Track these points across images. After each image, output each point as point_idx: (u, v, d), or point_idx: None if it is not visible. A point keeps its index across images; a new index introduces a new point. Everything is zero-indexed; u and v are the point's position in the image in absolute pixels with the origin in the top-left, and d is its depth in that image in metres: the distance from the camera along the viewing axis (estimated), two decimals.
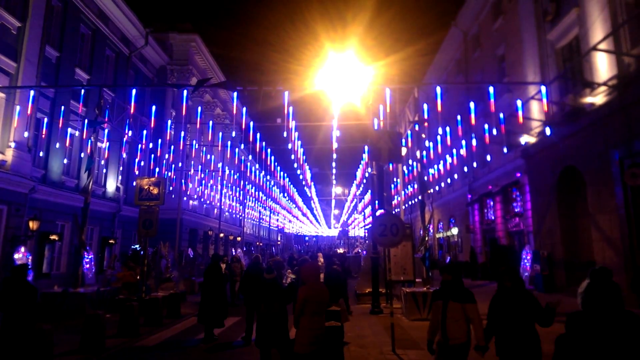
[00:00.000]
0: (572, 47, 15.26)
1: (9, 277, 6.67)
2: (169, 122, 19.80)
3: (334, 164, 30.34)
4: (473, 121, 13.20)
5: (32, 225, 14.76)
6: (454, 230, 29.50)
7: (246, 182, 32.29)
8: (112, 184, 22.13)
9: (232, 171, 29.38)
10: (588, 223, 13.81)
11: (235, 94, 13.29)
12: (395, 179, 31.51)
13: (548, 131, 13.54)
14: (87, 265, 16.12)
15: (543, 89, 12.32)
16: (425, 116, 13.88)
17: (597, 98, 12.98)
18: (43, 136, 15.16)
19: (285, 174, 36.29)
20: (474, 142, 17.95)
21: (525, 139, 17.20)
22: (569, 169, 14.68)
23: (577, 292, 2.84)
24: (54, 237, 16.77)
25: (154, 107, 16.31)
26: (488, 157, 16.88)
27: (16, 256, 13.43)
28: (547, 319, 4.05)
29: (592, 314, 2.57)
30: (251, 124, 16.74)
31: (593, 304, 2.59)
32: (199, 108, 19.67)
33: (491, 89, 12.47)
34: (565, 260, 15.07)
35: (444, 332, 4.43)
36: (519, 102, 12.94)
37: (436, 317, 4.61)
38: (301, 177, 30.03)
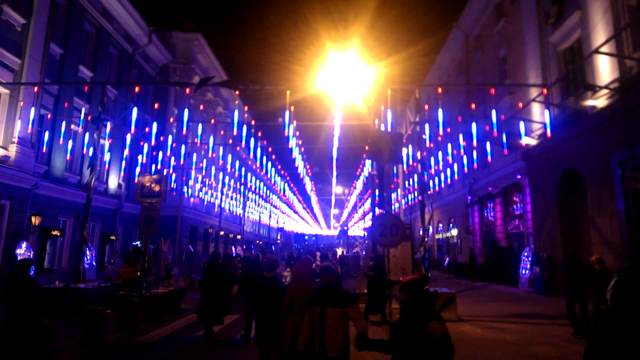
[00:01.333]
0: (574, 50, 15.28)
1: (12, 272, 6.73)
2: (171, 120, 19.87)
3: (334, 164, 30.38)
4: (474, 122, 13.27)
5: (35, 220, 14.85)
6: (454, 232, 29.54)
7: (246, 181, 32.34)
8: (114, 181, 22.22)
9: (234, 170, 29.42)
10: (588, 226, 13.85)
11: (237, 93, 13.33)
12: (395, 179, 31.55)
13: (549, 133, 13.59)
14: (89, 261, 16.21)
15: (547, 113, 12.42)
16: (426, 117, 13.93)
17: (599, 101, 13.01)
18: (46, 132, 15.25)
19: (286, 174, 36.32)
20: (474, 142, 17.99)
21: (526, 141, 17.23)
22: (570, 171, 14.71)
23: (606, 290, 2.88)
24: (55, 232, 16.85)
25: (156, 105, 16.39)
26: (489, 157, 16.98)
27: (18, 251, 13.52)
28: (444, 354, 3.03)
29: (621, 308, 2.72)
30: (252, 122, 16.81)
31: (621, 300, 2.74)
32: (202, 106, 19.73)
33: (494, 116, 12.60)
34: (564, 263, 15.09)
35: (321, 343, 3.89)
36: (522, 126, 13.05)
37: (311, 326, 4.04)
38: (302, 176, 30.04)
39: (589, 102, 13.47)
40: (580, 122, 13.78)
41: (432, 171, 21.02)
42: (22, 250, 13.59)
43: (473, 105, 20.44)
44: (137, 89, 13.96)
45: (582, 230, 14.67)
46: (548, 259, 15.67)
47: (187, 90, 17.15)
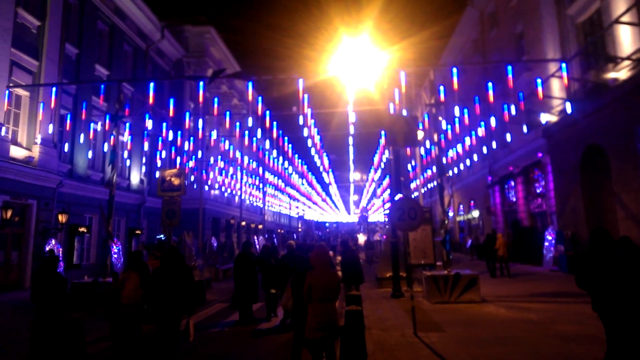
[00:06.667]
0: (593, 21, 14.80)
1: (39, 268, 6.94)
2: (188, 113, 20.03)
3: (351, 150, 30.29)
4: (491, 100, 12.98)
5: (61, 218, 15.28)
6: (475, 213, 29.25)
7: (265, 171, 32.54)
8: (135, 176, 22.64)
9: (252, 160, 29.61)
10: (613, 202, 13.54)
11: (250, 83, 13.34)
12: (413, 162, 31.29)
13: (569, 109, 13.22)
14: (115, 256, 16.61)
15: (563, 66, 12.02)
16: (442, 98, 13.70)
17: (621, 73, 12.61)
18: (67, 132, 15.58)
19: (304, 162, 36.36)
20: (493, 122, 17.63)
21: (546, 118, 16.85)
22: (592, 147, 14.36)
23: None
24: (82, 229, 17.32)
25: (172, 100, 16.52)
26: (508, 137, 16.63)
27: (47, 249, 13.95)
28: None
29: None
30: (267, 112, 16.79)
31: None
32: (216, 99, 19.84)
33: (509, 67, 12.23)
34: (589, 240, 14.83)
35: None
36: (538, 80, 12.66)
37: None
38: (319, 164, 30.04)
39: (611, 75, 13.07)
40: (601, 96, 13.40)
41: (450, 137, 20.60)
42: (51, 248, 13.99)
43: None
44: (152, 85, 13.97)
45: (607, 206, 14.35)
46: (572, 237, 15.41)
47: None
